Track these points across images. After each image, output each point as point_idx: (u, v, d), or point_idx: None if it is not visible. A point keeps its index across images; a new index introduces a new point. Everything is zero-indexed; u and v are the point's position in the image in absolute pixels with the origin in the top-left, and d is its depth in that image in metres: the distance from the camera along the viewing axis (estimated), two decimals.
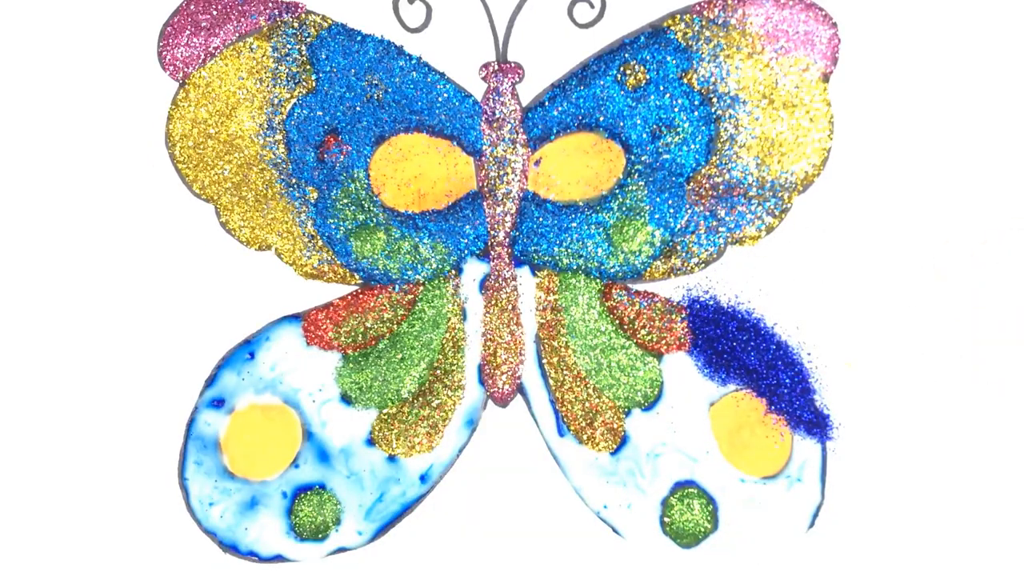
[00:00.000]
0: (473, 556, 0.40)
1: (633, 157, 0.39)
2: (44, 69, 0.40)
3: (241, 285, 0.40)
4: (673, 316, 0.40)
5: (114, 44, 0.40)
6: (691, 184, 0.39)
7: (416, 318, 0.40)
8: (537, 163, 0.40)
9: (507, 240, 0.40)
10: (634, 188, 0.39)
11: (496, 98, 0.40)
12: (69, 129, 0.40)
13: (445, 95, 0.40)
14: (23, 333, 0.40)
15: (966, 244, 0.38)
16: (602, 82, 0.39)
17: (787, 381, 0.39)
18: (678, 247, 0.40)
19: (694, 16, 0.39)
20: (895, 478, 0.39)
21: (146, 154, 0.40)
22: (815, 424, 0.39)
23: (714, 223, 0.39)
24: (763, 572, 0.39)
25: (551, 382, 0.40)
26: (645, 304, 0.40)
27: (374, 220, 0.40)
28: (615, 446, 0.40)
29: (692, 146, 0.39)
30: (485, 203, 0.40)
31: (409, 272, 0.40)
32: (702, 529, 0.39)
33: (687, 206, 0.39)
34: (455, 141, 0.40)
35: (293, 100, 0.39)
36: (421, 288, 0.40)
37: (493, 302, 0.40)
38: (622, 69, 0.39)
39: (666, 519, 0.39)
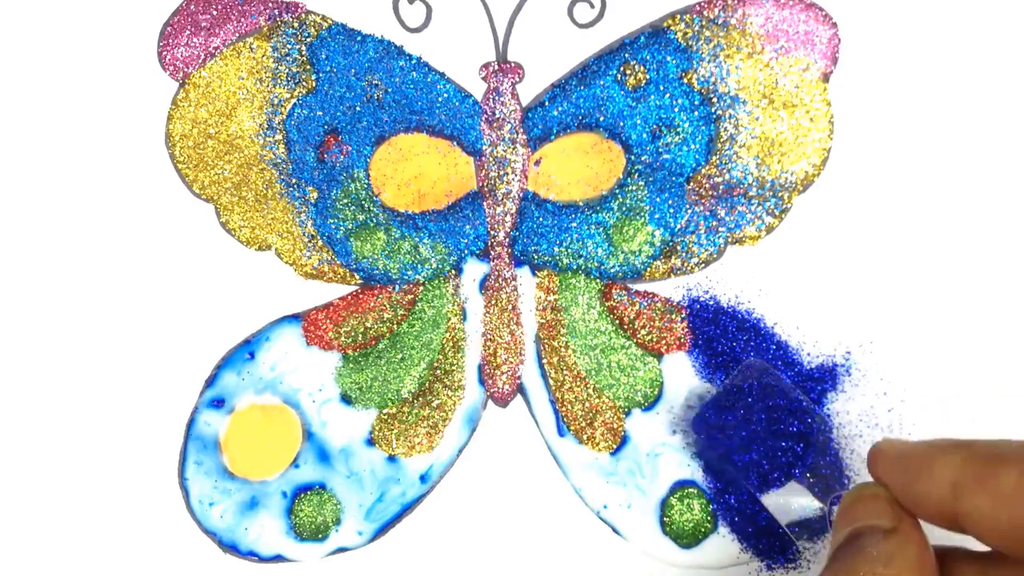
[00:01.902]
0: (473, 556, 0.40)
1: (633, 157, 0.39)
2: (44, 69, 0.40)
3: (241, 285, 0.40)
4: (673, 316, 0.40)
5: (114, 44, 0.40)
6: (691, 184, 0.39)
7: (416, 318, 0.40)
8: (537, 163, 0.40)
9: (507, 240, 0.40)
10: (634, 188, 0.39)
11: (496, 98, 0.40)
12: (69, 129, 0.40)
13: (445, 95, 0.40)
14: (22, 333, 0.40)
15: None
16: (602, 82, 0.39)
17: (787, 381, 0.39)
18: (678, 247, 0.40)
19: (694, 16, 0.39)
20: None
21: (146, 154, 0.40)
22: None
23: (714, 223, 0.39)
24: (763, 571, 0.39)
25: (551, 382, 0.40)
26: (645, 304, 0.40)
27: (374, 220, 0.40)
28: (615, 446, 0.40)
29: (692, 146, 0.39)
30: (485, 203, 0.40)
31: (409, 272, 0.40)
32: (702, 529, 0.39)
33: (687, 206, 0.39)
34: (455, 141, 0.40)
35: (293, 100, 0.39)
36: (421, 288, 0.40)
37: (493, 302, 0.40)
38: (622, 69, 0.39)
39: (666, 519, 0.39)
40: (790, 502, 0.35)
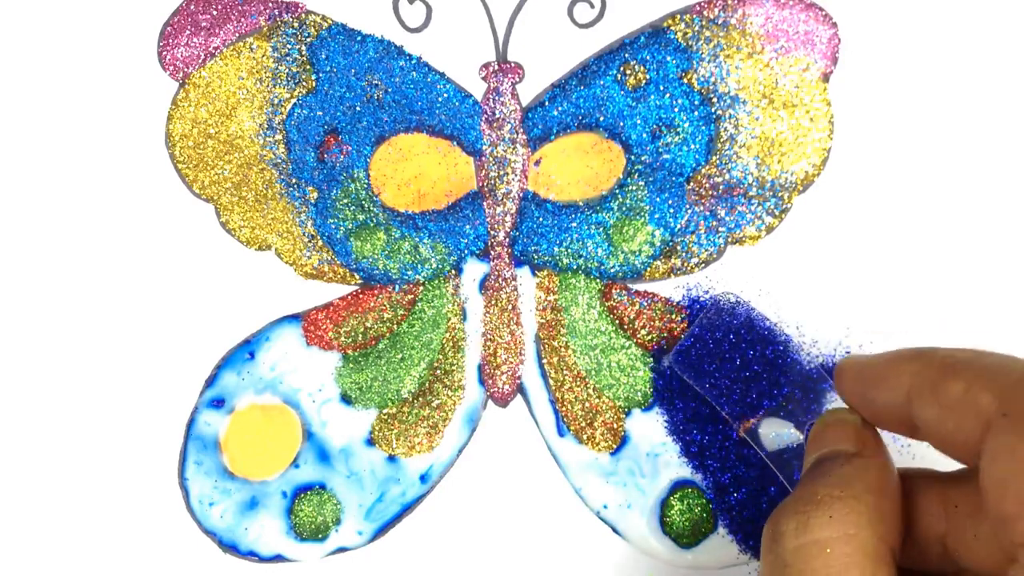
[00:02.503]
0: (473, 556, 0.40)
1: (633, 157, 0.39)
2: (44, 69, 0.40)
3: (241, 285, 0.40)
4: (673, 316, 0.40)
5: (114, 44, 0.40)
6: (691, 184, 0.39)
7: (416, 318, 0.40)
8: (537, 163, 0.40)
9: (507, 240, 0.40)
10: (634, 188, 0.39)
11: (496, 98, 0.40)
12: (69, 129, 0.40)
13: (445, 95, 0.40)
14: (22, 334, 0.40)
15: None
16: (602, 82, 0.39)
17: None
18: (678, 247, 0.40)
19: (694, 16, 0.39)
20: None
21: (146, 154, 0.40)
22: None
23: (714, 223, 0.39)
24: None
25: (551, 382, 0.40)
26: (645, 304, 0.40)
27: (374, 220, 0.40)
28: (615, 446, 0.40)
29: (692, 146, 0.39)
30: (485, 203, 0.40)
31: (409, 272, 0.40)
32: (702, 529, 0.39)
33: (687, 206, 0.39)
34: (455, 141, 0.40)
35: (293, 100, 0.39)
36: (421, 288, 0.40)
37: (493, 302, 0.40)
38: (622, 69, 0.39)
39: (666, 519, 0.39)
40: (768, 432, 0.36)
